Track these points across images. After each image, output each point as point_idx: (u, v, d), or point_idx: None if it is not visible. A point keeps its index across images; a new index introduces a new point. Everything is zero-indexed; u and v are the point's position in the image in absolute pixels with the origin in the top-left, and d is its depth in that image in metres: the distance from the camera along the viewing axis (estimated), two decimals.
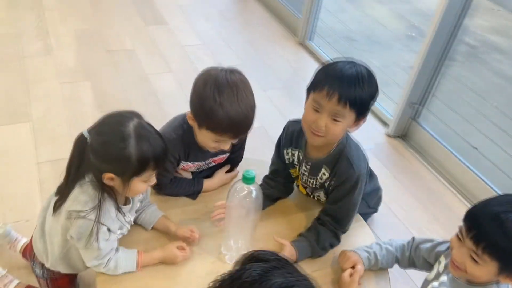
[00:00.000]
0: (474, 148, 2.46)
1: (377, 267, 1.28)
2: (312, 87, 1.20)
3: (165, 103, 2.55)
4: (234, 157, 1.50)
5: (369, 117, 2.73)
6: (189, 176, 1.44)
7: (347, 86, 1.14)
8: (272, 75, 2.99)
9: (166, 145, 1.10)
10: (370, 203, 1.72)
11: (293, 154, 1.38)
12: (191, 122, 1.26)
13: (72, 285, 1.39)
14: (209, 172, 1.48)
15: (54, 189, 1.19)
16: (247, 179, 1.10)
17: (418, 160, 2.47)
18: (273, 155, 1.47)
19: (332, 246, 1.33)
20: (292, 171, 1.43)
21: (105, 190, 1.08)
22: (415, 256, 1.26)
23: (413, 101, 2.48)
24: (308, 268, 1.25)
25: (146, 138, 1.04)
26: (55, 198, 1.16)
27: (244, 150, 1.52)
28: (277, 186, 1.44)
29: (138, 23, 3.32)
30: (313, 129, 1.21)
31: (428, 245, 1.24)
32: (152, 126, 1.10)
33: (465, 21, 2.26)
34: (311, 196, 1.47)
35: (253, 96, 1.22)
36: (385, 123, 2.69)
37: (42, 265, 1.29)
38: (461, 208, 2.19)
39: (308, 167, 1.35)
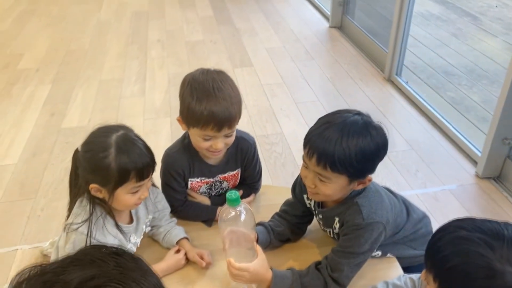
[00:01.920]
0: None
1: None
2: (303, 141, 1.10)
3: None
4: (249, 179, 1.43)
5: (456, 154, 2.47)
6: (206, 201, 1.41)
7: (326, 145, 1.02)
8: None
9: (153, 159, 1.10)
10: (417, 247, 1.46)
11: (310, 200, 1.26)
12: (182, 126, 1.27)
13: None
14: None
15: None
16: (231, 201, 1.04)
17: None
18: (290, 198, 1.34)
19: None
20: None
21: (96, 203, 1.11)
22: None
23: (506, 136, 2.11)
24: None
25: (127, 149, 1.05)
26: None
27: (259, 172, 1.45)
28: (289, 225, 1.29)
29: (226, 66, 3.51)
30: (306, 186, 1.13)
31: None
32: (141, 139, 1.12)
33: None
34: None
35: (236, 89, 1.22)
36: (474, 162, 2.32)
37: None
38: None
39: (321, 216, 1.22)
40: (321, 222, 1.24)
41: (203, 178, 1.37)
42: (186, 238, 1.28)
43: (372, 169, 1.09)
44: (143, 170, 1.07)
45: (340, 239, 1.15)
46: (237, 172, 1.41)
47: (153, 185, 1.23)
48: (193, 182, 1.36)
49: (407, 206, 1.29)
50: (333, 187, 1.07)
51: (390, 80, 3.16)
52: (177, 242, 1.26)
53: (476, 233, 0.76)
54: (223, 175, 1.39)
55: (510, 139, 2.10)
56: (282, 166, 2.38)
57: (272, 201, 1.41)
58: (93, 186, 1.07)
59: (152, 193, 1.25)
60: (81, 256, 0.55)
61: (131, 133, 1.11)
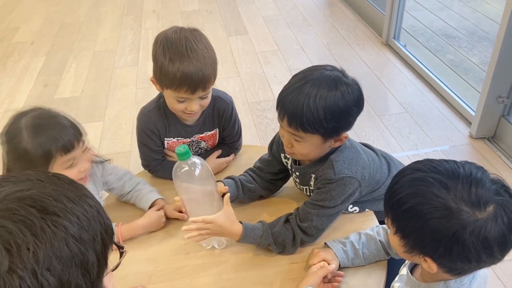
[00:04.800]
0: None
1: (361, 260, 1.05)
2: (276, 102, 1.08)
3: None
4: (228, 138, 1.41)
5: (450, 115, 2.41)
6: None
7: (296, 107, 0.98)
8: None
9: (75, 128, 1.04)
10: None
11: (288, 159, 1.23)
12: (156, 87, 1.24)
13: None
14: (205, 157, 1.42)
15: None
16: (182, 155, 1.00)
17: (507, 166, 2.02)
18: (265, 156, 1.30)
19: (284, 247, 1.10)
20: None
21: None
22: None
23: (500, 94, 2.05)
24: (287, 259, 1.12)
25: (40, 128, 0.98)
26: None
27: (238, 131, 1.42)
28: (262, 181, 1.26)
29: (221, 35, 3.46)
30: (284, 145, 1.12)
31: None
32: (57, 114, 1.04)
33: None
34: None
35: (211, 49, 1.18)
36: (469, 123, 2.27)
37: None
38: None
39: (298, 174, 1.20)
40: (297, 180, 1.22)
41: (179, 138, 1.35)
42: (161, 198, 1.25)
43: (346, 127, 1.06)
44: (66, 144, 1.00)
45: (313, 193, 1.14)
46: (215, 132, 1.38)
47: (99, 160, 1.18)
48: (169, 141, 1.35)
49: (388, 162, 1.26)
50: (308, 146, 1.05)
51: (388, 44, 3.08)
52: (153, 204, 1.24)
53: (431, 173, 0.74)
54: (200, 135, 1.37)
55: (504, 97, 2.04)
56: (273, 131, 2.35)
57: (253, 160, 1.38)
58: None
59: (98, 169, 1.20)
60: (18, 174, 0.54)
61: (43, 111, 1.04)
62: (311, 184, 1.16)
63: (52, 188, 0.53)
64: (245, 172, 1.29)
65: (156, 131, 1.30)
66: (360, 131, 2.24)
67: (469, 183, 0.71)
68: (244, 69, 2.94)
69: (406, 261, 0.90)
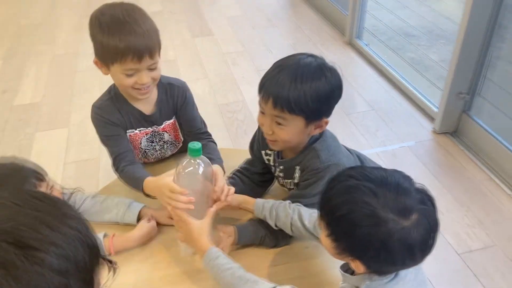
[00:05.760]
0: None
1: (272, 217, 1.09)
2: (258, 88, 1.09)
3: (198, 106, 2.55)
4: (192, 126, 1.34)
5: (414, 112, 2.50)
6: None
7: (281, 88, 1.01)
8: None
9: (36, 173, 0.99)
10: None
11: (269, 156, 1.24)
12: (100, 68, 1.19)
13: None
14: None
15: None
16: (194, 151, 1.00)
17: (470, 159, 2.11)
18: (249, 158, 1.31)
19: (276, 239, 1.13)
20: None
21: None
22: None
23: (460, 90, 2.14)
24: (270, 260, 1.12)
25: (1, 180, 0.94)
26: None
27: (200, 117, 1.36)
28: (250, 183, 1.27)
29: (185, 36, 3.42)
30: (264, 134, 1.12)
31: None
32: (16, 163, 1.00)
33: None
34: None
35: (150, 19, 1.15)
36: (432, 119, 2.36)
37: None
38: None
39: (282, 167, 1.20)
40: (281, 174, 1.22)
41: (141, 129, 1.30)
42: (144, 206, 1.21)
43: (327, 112, 1.08)
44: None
45: (299, 186, 1.15)
46: (174, 120, 1.34)
47: (68, 193, 1.12)
48: (131, 134, 1.29)
49: (361, 160, 1.30)
50: (290, 130, 1.06)
51: (351, 43, 3.16)
52: (144, 214, 1.19)
53: (364, 181, 0.78)
54: (161, 127, 1.32)
55: (465, 93, 2.14)
56: (244, 133, 2.35)
57: (227, 164, 1.38)
58: None
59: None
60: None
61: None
62: (295, 177, 1.18)
63: (30, 214, 0.50)
64: (232, 174, 1.29)
65: (116, 122, 1.24)
66: (330, 129, 2.28)
67: (396, 192, 0.76)
68: (212, 70, 2.92)
69: None
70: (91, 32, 1.15)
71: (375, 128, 2.36)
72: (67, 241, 0.50)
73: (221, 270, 0.95)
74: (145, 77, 1.15)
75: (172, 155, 1.45)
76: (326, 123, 1.10)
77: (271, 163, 1.25)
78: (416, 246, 0.75)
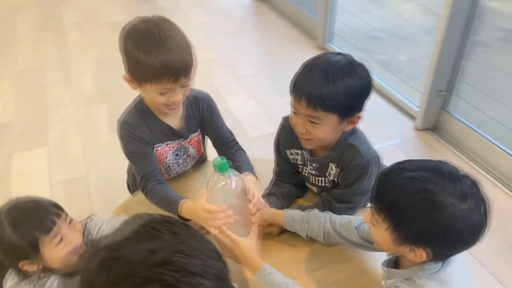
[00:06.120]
0: None
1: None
2: (289, 89, 1.10)
3: None
4: (220, 136, 1.33)
5: (394, 111, 2.61)
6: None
7: (314, 87, 1.02)
8: (289, 81, 2.87)
9: (55, 206, 1.01)
10: None
11: (297, 154, 1.25)
12: (132, 85, 1.15)
13: None
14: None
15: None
16: (220, 166, 0.97)
17: (452, 152, 2.23)
18: (275, 157, 1.32)
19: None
20: None
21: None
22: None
23: (440, 88, 2.26)
24: (307, 267, 1.13)
25: (16, 217, 0.95)
26: None
27: (226, 127, 1.35)
28: (290, 187, 1.28)
29: None
30: (297, 134, 1.13)
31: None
32: (30, 200, 1.01)
33: (496, 5, 2.05)
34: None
35: (183, 34, 1.12)
36: (412, 117, 2.47)
37: None
38: (502, 197, 1.94)
39: (316, 165, 1.21)
40: (314, 172, 1.23)
41: (168, 142, 1.27)
42: None
43: (360, 107, 1.10)
44: (48, 225, 0.97)
45: (341, 185, 1.18)
46: (198, 133, 1.33)
47: (84, 222, 1.11)
48: (158, 148, 1.26)
49: None
50: (324, 128, 1.07)
51: (324, 48, 3.24)
52: None
53: (419, 172, 0.81)
54: (187, 140, 1.30)
55: (444, 91, 2.26)
56: None
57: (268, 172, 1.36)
58: (23, 263, 0.97)
59: (92, 231, 1.11)
60: (131, 227, 0.49)
61: (17, 202, 1.00)
62: (330, 174, 1.19)
63: (176, 241, 0.50)
64: (274, 181, 1.30)
65: (145, 139, 1.21)
66: None
67: (452, 178, 0.80)
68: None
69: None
70: (124, 48, 1.10)
71: (361, 129, 2.42)
72: (214, 263, 0.49)
73: (277, 285, 0.95)
74: (178, 95, 1.12)
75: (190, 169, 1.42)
76: (359, 118, 1.11)
77: (299, 162, 1.26)
78: (476, 226, 0.79)
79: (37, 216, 0.98)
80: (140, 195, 1.31)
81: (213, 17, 3.83)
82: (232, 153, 1.31)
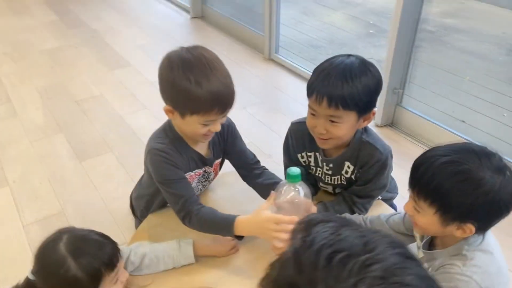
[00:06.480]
0: (462, 121, 2.46)
1: None
2: (307, 92, 1.15)
3: (147, 139, 2.44)
4: (244, 158, 1.34)
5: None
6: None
7: (334, 87, 1.08)
8: (248, 92, 2.93)
9: (113, 244, 0.99)
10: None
11: (309, 157, 1.30)
12: (171, 115, 1.13)
13: None
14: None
15: None
16: (294, 177, 1.00)
17: (412, 143, 2.44)
18: (285, 162, 1.36)
19: None
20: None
21: None
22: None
23: (395, 86, 2.47)
24: None
25: (81, 250, 0.94)
26: None
27: (249, 150, 1.36)
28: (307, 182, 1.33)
29: (102, 69, 3.22)
30: (316, 135, 1.17)
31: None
32: (90, 231, 1.00)
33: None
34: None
35: (224, 65, 1.12)
36: None
37: None
38: None
39: (331, 165, 1.27)
40: (329, 172, 1.29)
41: (196, 170, 1.26)
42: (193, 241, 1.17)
43: (375, 104, 1.17)
44: (111, 260, 0.96)
45: (361, 181, 1.24)
46: (221, 159, 1.34)
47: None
48: (187, 176, 1.24)
49: None
50: (344, 127, 1.13)
51: (271, 59, 3.34)
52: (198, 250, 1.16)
53: (453, 155, 0.90)
54: (212, 167, 1.31)
55: (399, 89, 2.48)
56: None
57: (227, 188, 1.40)
58: None
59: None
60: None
61: (75, 231, 0.99)
62: (347, 172, 1.25)
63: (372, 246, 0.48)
64: None
65: (179, 166, 1.18)
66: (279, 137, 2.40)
67: (485, 156, 0.89)
68: (148, 100, 2.82)
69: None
70: (170, 79, 1.07)
71: None
72: None
73: None
74: (219, 125, 1.13)
75: None
76: (374, 114, 1.19)
77: (312, 164, 1.31)
78: None
79: (106, 252, 0.95)
80: (148, 221, 1.31)
81: (151, 37, 3.77)
82: (259, 173, 1.32)
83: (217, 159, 1.31)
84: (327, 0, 4.68)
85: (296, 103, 2.78)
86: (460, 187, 0.87)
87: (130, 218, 1.59)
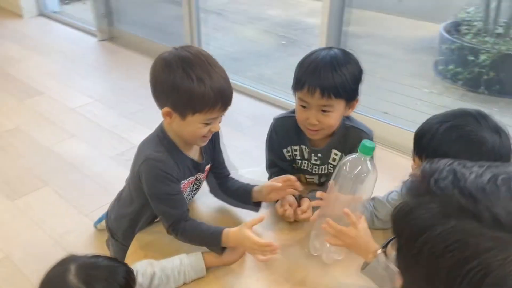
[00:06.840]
0: (385, 113, 2.66)
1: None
2: (294, 86, 1.18)
3: (84, 165, 2.25)
4: (218, 167, 1.31)
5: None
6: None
7: (325, 78, 1.13)
8: None
9: (118, 265, 0.92)
10: None
11: (294, 151, 1.31)
12: (169, 119, 1.07)
13: None
14: None
15: None
16: (369, 149, 0.96)
17: None
18: (269, 159, 1.35)
19: None
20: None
21: None
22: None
23: None
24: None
25: (95, 278, 0.86)
26: None
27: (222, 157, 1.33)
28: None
29: (11, 102, 2.88)
30: (308, 127, 1.20)
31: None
32: (93, 257, 0.92)
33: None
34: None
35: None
36: None
37: None
38: None
39: (319, 155, 1.29)
40: (318, 162, 1.30)
41: (190, 178, 1.20)
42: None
43: (358, 91, 1.22)
44: (128, 282, 0.90)
45: None
46: (210, 165, 1.29)
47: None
48: (182, 185, 1.17)
49: None
50: (335, 115, 1.18)
51: None
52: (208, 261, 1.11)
53: (453, 120, 0.97)
54: (204, 174, 1.25)
55: None
56: None
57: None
58: None
59: None
60: None
61: (81, 259, 0.91)
62: (334, 159, 1.28)
63: None
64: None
65: (174, 177, 1.11)
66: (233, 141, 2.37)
67: (484, 117, 0.97)
68: (75, 128, 2.58)
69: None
70: (168, 79, 1.02)
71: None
72: None
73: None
74: (218, 126, 1.10)
75: None
76: (357, 101, 1.24)
77: (298, 158, 1.32)
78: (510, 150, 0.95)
79: (121, 275, 0.88)
80: (139, 241, 1.21)
81: (58, 63, 3.48)
82: (229, 180, 1.32)
83: (208, 164, 1.26)
84: (233, 17, 4.79)
85: (244, 119, 2.75)
86: (466, 149, 0.92)
87: (93, 247, 1.43)
